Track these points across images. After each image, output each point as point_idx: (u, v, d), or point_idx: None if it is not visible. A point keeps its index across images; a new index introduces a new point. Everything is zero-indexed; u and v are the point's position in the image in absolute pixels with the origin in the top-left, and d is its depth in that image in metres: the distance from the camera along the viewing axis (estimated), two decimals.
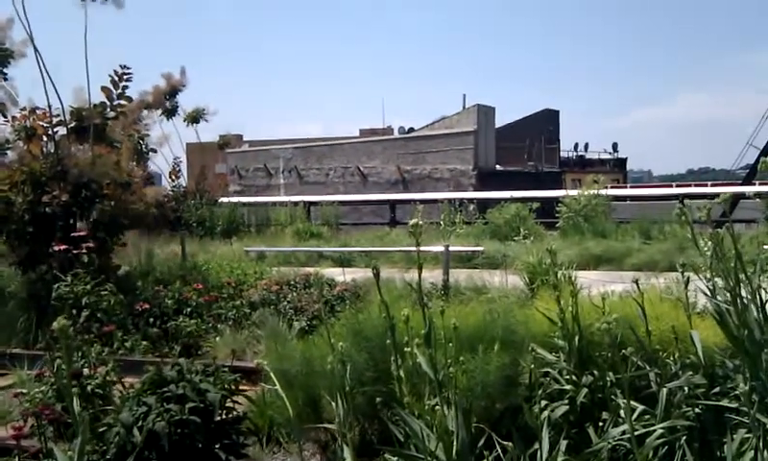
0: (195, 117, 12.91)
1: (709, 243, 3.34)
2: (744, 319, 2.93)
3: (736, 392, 3.01)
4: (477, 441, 3.20)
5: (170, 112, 12.06)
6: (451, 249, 9.23)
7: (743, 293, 3.01)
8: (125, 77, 8.99)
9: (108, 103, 9.03)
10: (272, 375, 3.03)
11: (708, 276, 3.35)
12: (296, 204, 16.42)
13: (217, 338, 6.31)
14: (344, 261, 9.73)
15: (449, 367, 3.16)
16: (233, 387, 4.00)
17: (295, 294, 6.95)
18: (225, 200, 16.47)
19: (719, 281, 3.19)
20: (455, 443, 2.79)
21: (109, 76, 8.99)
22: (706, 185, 28.16)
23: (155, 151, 9.99)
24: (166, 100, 10.22)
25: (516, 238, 12.51)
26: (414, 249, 10.26)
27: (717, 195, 4.21)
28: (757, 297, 2.95)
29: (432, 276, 8.42)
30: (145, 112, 10.52)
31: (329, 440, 4.01)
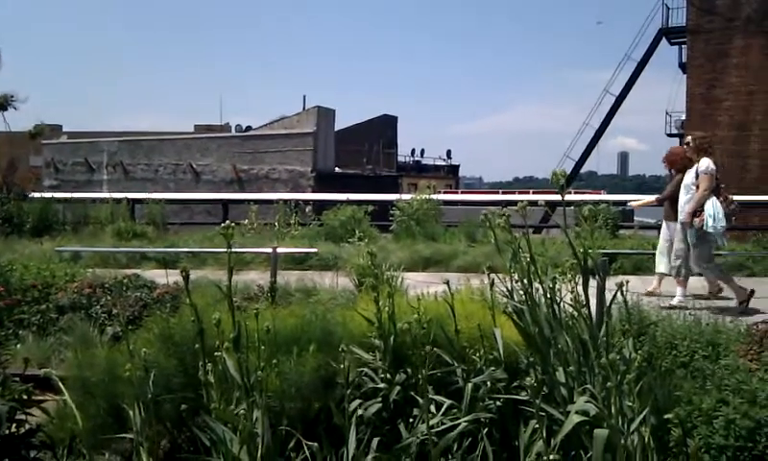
0: (1, 104, 11.72)
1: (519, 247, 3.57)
2: (536, 317, 3.15)
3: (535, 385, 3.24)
4: (288, 443, 3.18)
5: None
6: (283, 250, 9.15)
7: (536, 293, 3.25)
8: None
9: None
10: (60, 383, 2.79)
11: (511, 277, 3.59)
12: (118, 201, 15.46)
13: (18, 345, 5.74)
14: (168, 263, 9.29)
15: (261, 370, 3.11)
16: (25, 398, 3.65)
17: (109, 297, 6.50)
18: (37, 195, 15.19)
19: (517, 283, 3.42)
20: (260, 446, 2.74)
21: None
22: (528, 192, 30.31)
23: None
24: None
25: (350, 240, 12.65)
26: (243, 250, 9.97)
27: (536, 202, 4.57)
28: (547, 296, 3.19)
29: (263, 278, 8.29)
30: None
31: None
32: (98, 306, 6.34)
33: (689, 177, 7.28)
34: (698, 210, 7.00)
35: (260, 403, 2.86)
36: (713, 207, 6.89)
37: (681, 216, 7.29)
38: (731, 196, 7.38)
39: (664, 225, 8.23)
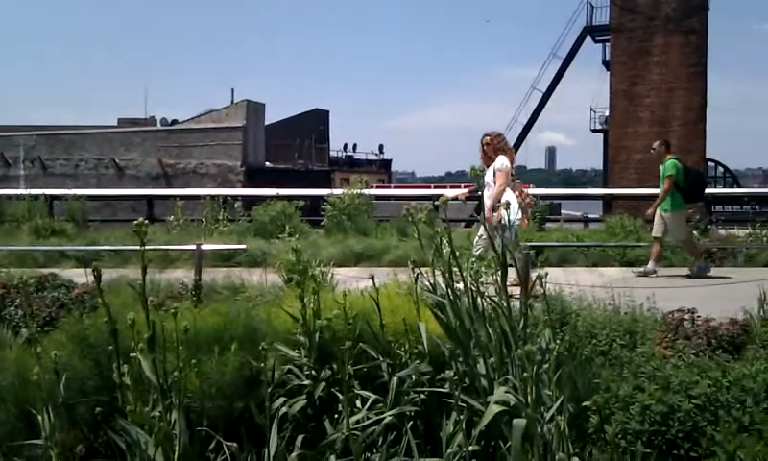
0: None
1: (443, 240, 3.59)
2: (457, 310, 3.18)
3: (455, 377, 3.27)
4: (209, 444, 3.11)
5: None
6: (209, 247, 8.96)
7: (457, 286, 3.28)
8: None
9: None
10: None
11: (434, 271, 3.61)
12: (36, 197, 14.84)
13: None
14: (88, 261, 8.95)
15: (180, 371, 3.02)
16: None
17: (24, 298, 6.19)
18: None
19: (439, 276, 3.45)
20: (177, 448, 2.66)
21: None
22: (459, 187, 30.72)
23: None
24: None
25: (280, 236, 12.51)
26: (167, 247, 9.70)
27: (456, 197, 4.62)
28: (469, 290, 3.22)
29: (188, 276, 8.08)
30: None
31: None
32: (12, 308, 6.04)
33: (489, 174, 7.71)
34: (496, 205, 7.43)
35: (177, 404, 2.77)
36: (510, 203, 7.33)
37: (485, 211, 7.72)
38: (525, 190, 8.12)
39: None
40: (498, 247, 3.22)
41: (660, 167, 9.69)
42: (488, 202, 7.52)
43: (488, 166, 7.99)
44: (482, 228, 7.82)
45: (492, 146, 7.82)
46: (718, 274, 9.37)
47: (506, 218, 7.45)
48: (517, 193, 7.65)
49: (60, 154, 29.12)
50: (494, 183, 7.54)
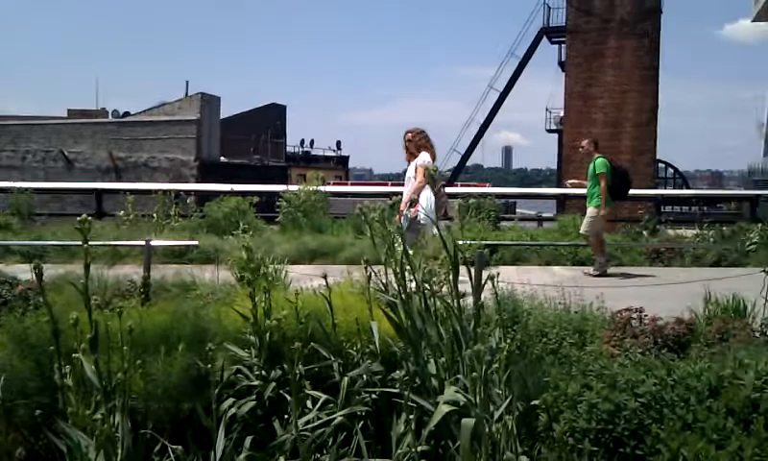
0: None
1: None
2: (408, 310, 3.17)
3: (406, 377, 3.26)
4: (153, 447, 3.04)
5: None
6: (158, 243, 8.79)
7: (409, 285, 3.27)
8: None
9: None
10: None
11: (386, 271, 3.60)
12: None
13: None
14: (34, 256, 8.69)
15: (124, 372, 2.94)
16: None
17: None
18: None
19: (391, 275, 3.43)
20: (120, 451, 2.59)
21: None
22: None
23: None
24: None
25: (234, 232, 12.34)
26: (115, 243, 9.46)
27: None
28: (421, 289, 3.22)
29: (138, 272, 7.90)
30: None
31: None
32: None
33: (410, 170, 7.85)
34: (414, 201, 7.54)
35: (120, 406, 2.70)
36: (427, 200, 7.40)
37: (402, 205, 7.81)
38: (443, 189, 8.17)
39: None
40: (408, 240, 3.22)
41: (590, 166, 10.06)
42: (405, 196, 7.60)
43: (410, 163, 8.06)
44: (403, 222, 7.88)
45: (414, 143, 7.90)
46: (666, 273, 9.63)
47: (420, 215, 7.47)
48: (436, 190, 7.77)
49: (6, 145, 28.19)
50: (415, 179, 7.61)
